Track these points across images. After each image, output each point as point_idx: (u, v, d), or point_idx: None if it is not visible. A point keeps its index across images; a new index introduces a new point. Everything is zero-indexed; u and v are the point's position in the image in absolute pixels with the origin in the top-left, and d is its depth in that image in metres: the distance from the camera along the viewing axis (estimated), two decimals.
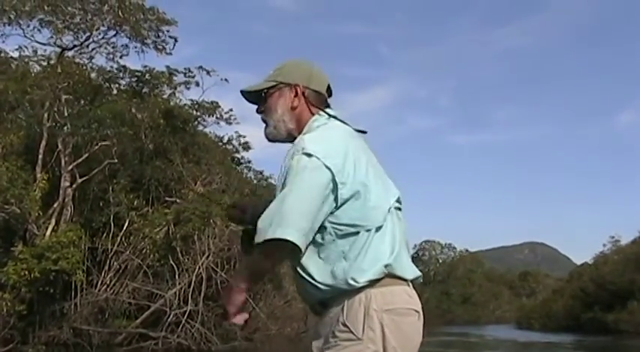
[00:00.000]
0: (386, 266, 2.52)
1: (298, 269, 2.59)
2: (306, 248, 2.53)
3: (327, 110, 2.75)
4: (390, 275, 2.53)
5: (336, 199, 2.51)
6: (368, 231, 2.53)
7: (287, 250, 2.46)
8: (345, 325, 2.48)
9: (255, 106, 2.87)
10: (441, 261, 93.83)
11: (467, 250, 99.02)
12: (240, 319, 2.60)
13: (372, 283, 2.50)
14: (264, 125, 2.83)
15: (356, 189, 2.53)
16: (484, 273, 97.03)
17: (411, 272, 2.62)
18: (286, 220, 2.44)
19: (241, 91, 2.87)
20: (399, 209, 2.72)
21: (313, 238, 2.54)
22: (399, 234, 2.63)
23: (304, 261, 2.56)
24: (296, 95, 2.74)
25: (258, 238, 2.46)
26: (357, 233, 2.52)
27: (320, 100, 2.77)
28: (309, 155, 2.51)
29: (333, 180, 2.49)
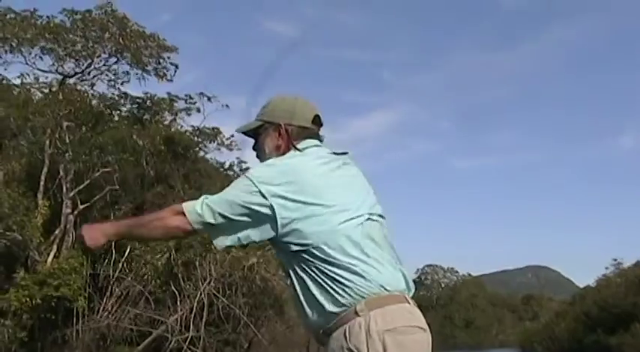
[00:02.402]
0: (375, 283, 2.57)
1: (298, 300, 2.67)
2: (296, 280, 2.66)
3: (299, 145, 2.83)
4: (384, 293, 2.57)
5: (271, 221, 2.62)
6: (329, 248, 2.58)
7: (186, 232, 2.74)
8: (349, 350, 2.51)
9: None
10: (443, 285, 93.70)
11: (469, 274, 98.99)
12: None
13: (369, 304, 2.53)
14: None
15: (301, 214, 2.61)
16: (487, 297, 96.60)
17: (401, 284, 2.67)
18: (205, 216, 2.66)
19: (237, 131, 3.02)
20: (378, 221, 2.77)
21: (293, 268, 2.66)
22: (380, 247, 2.68)
23: (299, 291, 2.65)
24: (280, 134, 2.84)
25: (187, 208, 2.69)
26: (319, 253, 2.59)
27: (306, 134, 2.85)
28: (247, 178, 2.67)
29: (266, 205, 2.61)
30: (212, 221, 2.64)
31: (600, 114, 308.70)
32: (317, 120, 2.90)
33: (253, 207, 2.61)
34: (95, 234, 2.80)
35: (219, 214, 2.64)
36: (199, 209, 2.65)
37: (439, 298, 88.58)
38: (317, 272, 2.59)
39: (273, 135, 2.86)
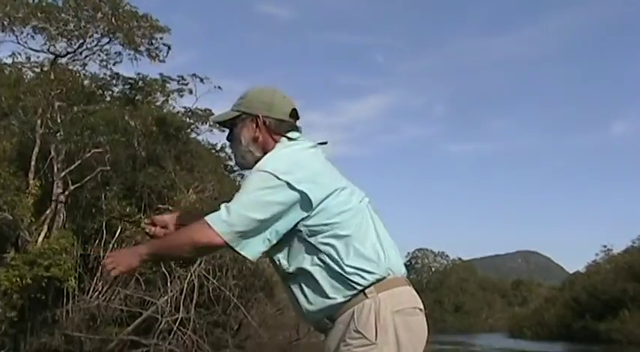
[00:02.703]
0: (384, 266, 2.63)
1: (302, 289, 2.68)
2: (302, 270, 2.65)
3: (289, 135, 2.82)
4: (391, 276, 2.64)
5: (304, 206, 2.61)
6: (349, 229, 2.62)
7: (216, 246, 2.60)
8: (357, 331, 2.56)
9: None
10: (433, 269, 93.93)
11: (460, 258, 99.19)
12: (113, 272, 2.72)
13: (378, 287, 2.59)
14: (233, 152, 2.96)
15: (327, 193, 2.63)
16: (477, 282, 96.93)
17: (403, 267, 2.75)
18: (236, 225, 2.56)
19: (212, 120, 3.02)
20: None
21: (301, 260, 2.65)
22: (381, 229, 2.74)
23: (304, 284, 2.66)
24: (257, 126, 2.81)
25: (213, 222, 2.57)
26: (340, 234, 2.61)
27: (283, 127, 2.83)
28: (267, 173, 2.61)
29: (296, 193, 2.59)
30: (244, 228, 2.57)
31: (594, 101, 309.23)
32: (294, 114, 2.88)
33: (285, 199, 2.59)
34: (130, 259, 2.71)
35: (254, 219, 2.57)
36: (226, 217, 2.57)
37: (429, 282, 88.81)
38: (331, 257, 2.60)
39: (250, 126, 2.83)
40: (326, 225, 2.60)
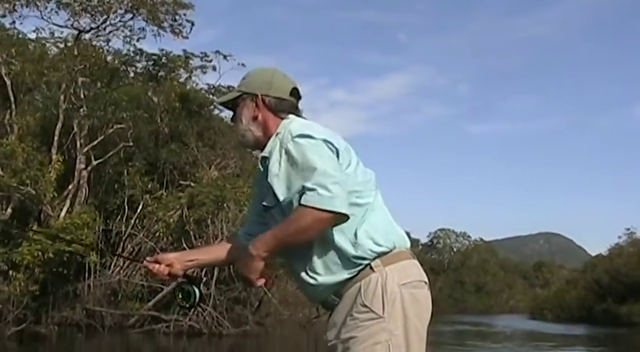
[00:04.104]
0: (391, 239, 2.62)
1: (307, 268, 2.64)
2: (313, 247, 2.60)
3: (290, 117, 2.78)
4: (396, 249, 2.63)
5: (340, 163, 2.60)
6: (368, 198, 2.63)
7: (334, 223, 2.49)
8: (364, 305, 2.55)
9: None
10: (455, 249, 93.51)
11: (481, 239, 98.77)
12: (261, 282, 2.64)
13: (384, 260, 2.58)
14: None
15: (349, 162, 2.63)
16: (498, 263, 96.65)
17: (407, 241, 2.74)
18: (341, 194, 2.46)
19: (216, 102, 2.98)
20: None
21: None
22: (385, 207, 2.73)
23: (312, 256, 2.62)
24: (257, 105, 2.79)
25: (323, 204, 2.43)
26: (359, 202, 2.60)
27: (284, 105, 2.80)
28: (303, 136, 2.58)
29: (335, 151, 2.59)
30: (344, 190, 2.48)
31: (618, 80, 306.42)
32: (295, 93, 2.86)
33: (331, 152, 2.59)
34: (250, 265, 2.58)
35: (343, 179, 2.51)
36: (333, 193, 2.43)
37: (450, 262, 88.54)
38: (344, 229, 2.56)
39: (250, 105, 2.81)
40: (350, 192, 2.54)
